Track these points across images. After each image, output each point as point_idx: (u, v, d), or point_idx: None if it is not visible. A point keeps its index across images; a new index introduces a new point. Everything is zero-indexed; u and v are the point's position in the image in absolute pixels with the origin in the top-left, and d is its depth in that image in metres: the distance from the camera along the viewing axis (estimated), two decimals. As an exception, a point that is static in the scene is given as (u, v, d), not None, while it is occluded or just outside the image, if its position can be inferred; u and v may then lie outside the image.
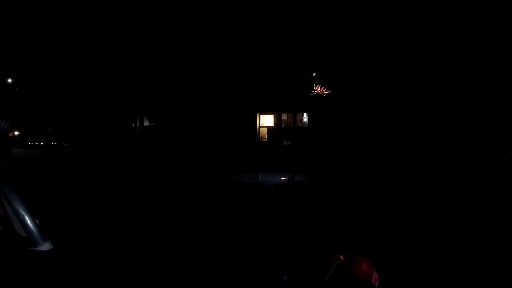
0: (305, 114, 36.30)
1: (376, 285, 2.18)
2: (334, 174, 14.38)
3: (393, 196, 8.85)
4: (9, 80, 38.52)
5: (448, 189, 9.95)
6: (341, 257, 2.29)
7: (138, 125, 41.51)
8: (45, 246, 1.22)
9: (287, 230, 5.39)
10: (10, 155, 1.74)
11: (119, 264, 3.42)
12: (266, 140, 36.90)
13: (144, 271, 3.33)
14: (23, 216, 1.21)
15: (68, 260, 1.30)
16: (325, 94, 28.06)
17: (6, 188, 1.25)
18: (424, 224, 5.84)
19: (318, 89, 27.05)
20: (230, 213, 6.70)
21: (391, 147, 26.57)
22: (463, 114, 28.96)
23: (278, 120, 37.02)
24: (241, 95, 34.29)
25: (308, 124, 36.05)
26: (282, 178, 12.13)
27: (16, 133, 47.60)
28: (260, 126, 37.53)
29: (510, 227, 5.38)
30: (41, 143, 44.40)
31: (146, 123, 40.94)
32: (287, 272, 2.22)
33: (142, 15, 35.90)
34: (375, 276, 2.21)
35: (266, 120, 37.61)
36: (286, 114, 36.84)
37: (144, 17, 35.82)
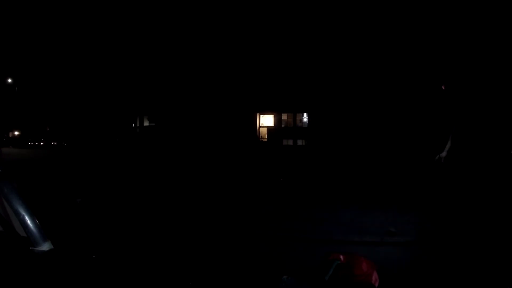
0: (305, 114, 36.31)
1: (376, 285, 2.18)
2: None
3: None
4: (9, 80, 38.52)
5: (450, 189, 9.91)
6: (341, 257, 2.29)
7: (138, 125, 41.51)
8: (45, 246, 1.22)
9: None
10: None
11: (119, 264, 3.41)
12: (266, 140, 36.91)
13: (144, 271, 3.33)
14: (23, 216, 1.21)
15: (68, 260, 1.29)
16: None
17: (6, 188, 1.25)
18: (426, 223, 5.83)
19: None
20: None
21: (392, 148, 26.49)
22: (462, 114, 28.93)
23: (278, 120, 37.02)
24: (241, 95, 34.28)
25: (308, 124, 36.07)
26: None
27: (16, 133, 47.57)
28: (260, 126, 37.53)
29: (510, 227, 5.37)
30: (41, 143, 44.33)
31: (146, 123, 40.94)
32: (287, 272, 2.22)
33: (142, 14, 35.89)
34: (375, 276, 2.21)
35: (266, 120, 37.62)
36: (286, 114, 36.84)
37: (144, 16, 35.81)
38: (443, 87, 5.46)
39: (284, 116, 37.02)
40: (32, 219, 1.23)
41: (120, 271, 1.36)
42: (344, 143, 30.18)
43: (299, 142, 36.00)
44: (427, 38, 28.63)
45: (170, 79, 36.31)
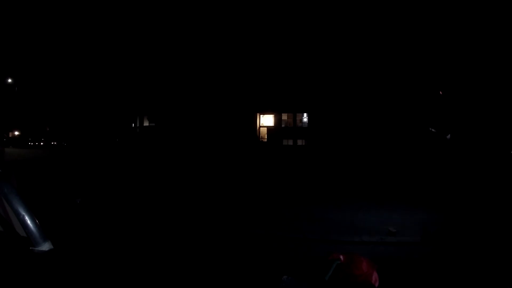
0: (305, 114, 36.30)
1: (376, 285, 2.18)
2: None
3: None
4: (9, 80, 38.49)
5: (449, 188, 9.93)
6: (341, 257, 2.29)
7: (138, 125, 41.48)
8: (45, 246, 1.22)
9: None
10: (2, 147, 1.73)
11: (119, 264, 3.42)
12: (266, 140, 36.91)
13: (144, 271, 3.33)
14: (23, 216, 1.21)
15: (68, 260, 1.29)
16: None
17: (6, 188, 1.25)
18: (426, 223, 5.83)
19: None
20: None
21: (393, 150, 26.41)
22: (462, 114, 28.92)
23: (278, 120, 37.00)
24: (241, 95, 34.27)
25: (308, 124, 36.05)
26: None
27: (16, 133, 47.56)
28: (260, 126, 37.52)
29: (510, 227, 5.37)
30: (41, 143, 44.32)
31: (146, 123, 40.92)
32: (287, 272, 2.22)
33: (141, 14, 35.88)
34: (375, 276, 2.21)
35: (266, 120, 37.60)
36: (286, 114, 36.83)
37: (144, 16, 35.80)
38: (440, 93, 5.46)
39: (284, 116, 37.00)
40: (32, 219, 1.23)
41: (120, 271, 1.36)
42: (344, 143, 30.18)
43: (299, 142, 36.00)
44: (426, 38, 28.62)
45: (170, 79, 36.30)
